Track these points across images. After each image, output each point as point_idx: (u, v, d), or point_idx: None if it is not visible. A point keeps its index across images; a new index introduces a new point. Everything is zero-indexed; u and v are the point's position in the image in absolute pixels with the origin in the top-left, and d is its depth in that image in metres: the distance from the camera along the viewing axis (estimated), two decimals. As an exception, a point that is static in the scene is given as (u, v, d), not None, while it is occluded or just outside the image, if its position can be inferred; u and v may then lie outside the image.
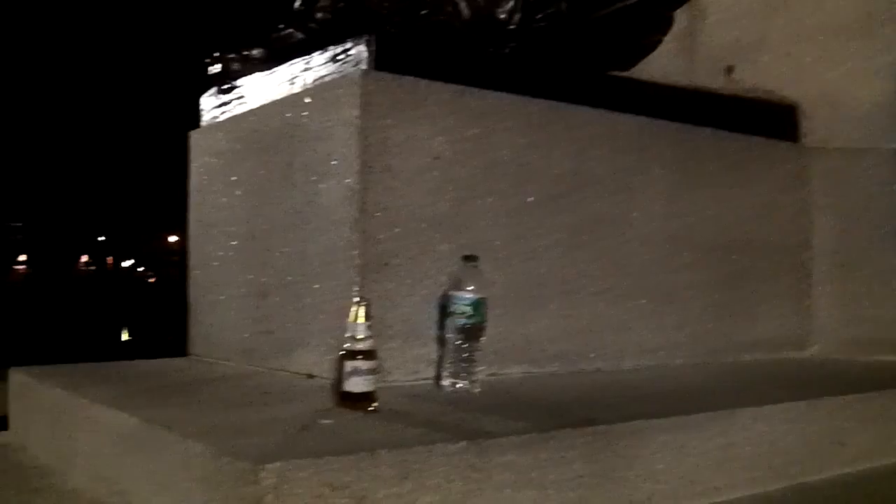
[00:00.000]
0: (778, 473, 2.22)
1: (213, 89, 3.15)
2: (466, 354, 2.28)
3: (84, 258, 44.91)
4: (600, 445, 1.90)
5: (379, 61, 2.44)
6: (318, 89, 2.57)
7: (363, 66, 2.42)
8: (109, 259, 45.64)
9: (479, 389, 2.28)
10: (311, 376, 2.53)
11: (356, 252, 2.36)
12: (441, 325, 2.42)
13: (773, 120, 3.48)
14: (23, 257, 43.00)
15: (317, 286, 2.51)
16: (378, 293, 2.35)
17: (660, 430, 2.01)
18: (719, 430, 2.12)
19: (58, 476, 2.31)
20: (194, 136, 3.27)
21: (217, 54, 3.06)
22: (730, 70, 3.74)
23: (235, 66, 3.05)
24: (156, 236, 45.76)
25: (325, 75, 2.58)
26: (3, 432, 2.96)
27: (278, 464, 1.49)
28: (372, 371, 2.01)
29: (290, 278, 2.65)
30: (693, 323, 3.11)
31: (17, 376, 2.88)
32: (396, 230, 2.41)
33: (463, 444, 1.70)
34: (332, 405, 2.07)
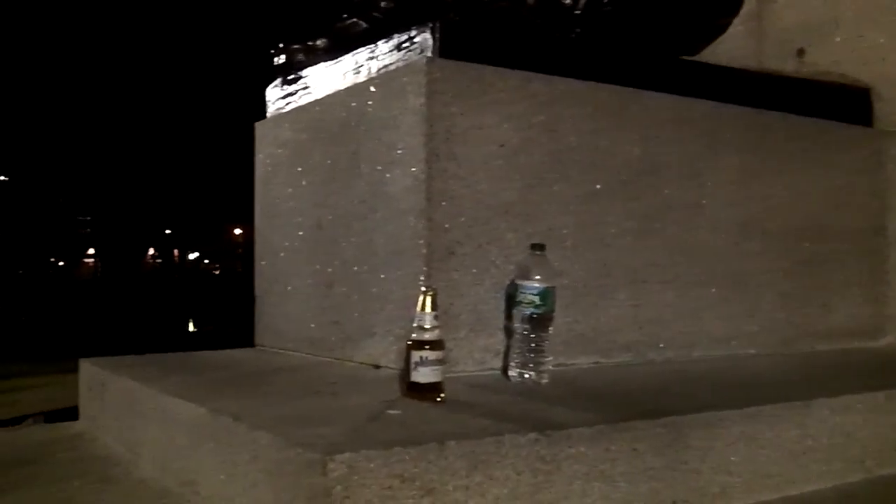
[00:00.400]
0: (854, 466, 2.16)
1: (278, 80, 3.17)
2: (534, 345, 2.25)
3: (151, 251, 45.73)
4: (672, 437, 1.86)
5: (444, 49, 2.42)
6: (384, 78, 2.56)
7: (428, 54, 2.40)
8: (175, 252, 46.39)
9: (547, 380, 2.25)
10: (377, 367, 2.52)
11: (422, 241, 2.34)
12: (508, 315, 2.40)
13: (845, 103, 3.38)
14: (91, 251, 43.94)
15: (383, 276, 2.50)
16: (444, 282, 2.33)
17: (733, 422, 1.96)
18: (794, 422, 2.07)
19: (127, 466, 2.34)
20: (260, 127, 3.29)
21: (282, 45, 3.07)
22: (800, 53, 3.65)
23: (300, 56, 3.06)
24: (221, 229, 46.38)
25: (389, 64, 2.57)
26: (74, 422, 3.02)
27: (347, 455, 1.48)
28: (439, 361, 2.00)
29: (356, 268, 2.64)
30: (765, 312, 3.04)
31: (87, 367, 2.93)
32: (462, 219, 2.39)
33: (532, 435, 1.67)
34: (400, 396, 2.06)
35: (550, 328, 2.27)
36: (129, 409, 2.46)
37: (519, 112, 2.50)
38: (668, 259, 2.79)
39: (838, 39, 3.55)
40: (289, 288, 3.04)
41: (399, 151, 2.44)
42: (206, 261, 52.36)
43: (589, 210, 2.62)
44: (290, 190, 3.04)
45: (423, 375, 1.99)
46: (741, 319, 2.97)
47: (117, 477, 2.23)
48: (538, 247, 2.27)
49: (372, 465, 1.50)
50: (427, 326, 2.00)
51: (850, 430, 2.16)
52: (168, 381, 2.42)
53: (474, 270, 2.40)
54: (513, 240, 2.46)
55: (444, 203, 2.36)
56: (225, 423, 1.86)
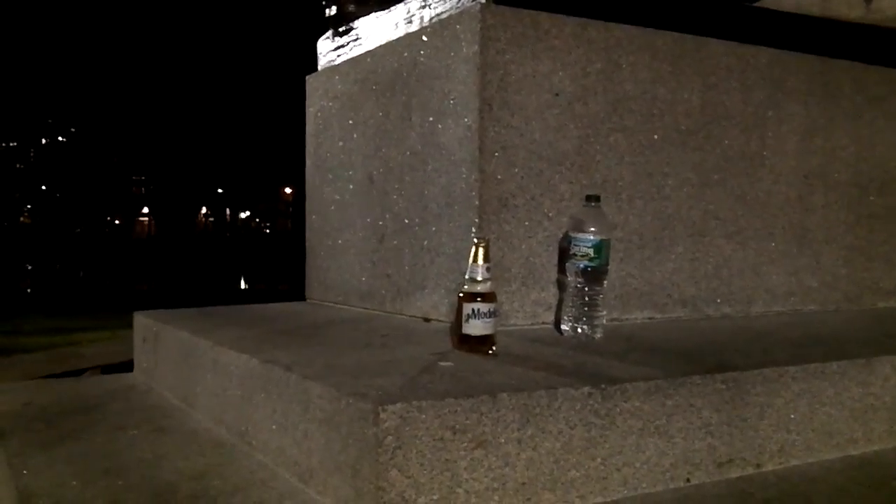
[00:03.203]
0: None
1: (329, 32, 3.12)
2: (588, 298, 2.19)
3: (204, 210, 46.27)
4: (730, 394, 1.81)
5: (500, -6, 2.35)
6: (436, 26, 2.50)
7: (482, 1, 2.34)
8: (227, 211, 46.89)
9: (601, 335, 2.20)
10: (427, 320, 2.49)
11: (474, 193, 2.29)
12: (561, 269, 2.35)
13: (915, 52, 3.24)
14: (146, 210, 44.59)
15: (434, 228, 2.47)
16: (497, 234, 2.30)
17: (794, 379, 1.90)
18: (857, 380, 2.00)
19: (181, 416, 2.36)
20: (311, 80, 3.26)
21: (333, -6, 3.02)
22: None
23: (351, 7, 3.01)
24: (272, 189, 46.71)
25: (442, 12, 2.50)
26: (129, 374, 3.04)
27: (399, 405, 1.46)
28: (491, 313, 1.96)
29: (407, 221, 2.61)
30: (827, 267, 2.95)
31: (141, 320, 2.95)
32: (516, 170, 2.34)
33: (586, 389, 1.64)
34: (451, 348, 2.03)
35: (605, 282, 2.21)
36: (184, 360, 2.47)
37: (575, 60, 2.43)
38: (728, 212, 2.71)
39: (908, -15, 3.40)
40: (340, 242, 3.02)
41: (452, 101, 2.38)
42: (258, 220, 52.85)
43: (647, 160, 2.55)
44: (341, 143, 3.01)
45: (474, 328, 1.96)
46: (803, 274, 2.89)
47: (172, 427, 2.24)
48: (593, 198, 2.21)
49: (424, 416, 1.48)
50: (479, 279, 1.96)
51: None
52: (221, 333, 2.42)
53: (527, 223, 2.36)
54: (567, 191, 2.41)
55: (497, 154, 2.31)
56: (277, 374, 1.85)
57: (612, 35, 2.48)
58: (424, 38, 2.53)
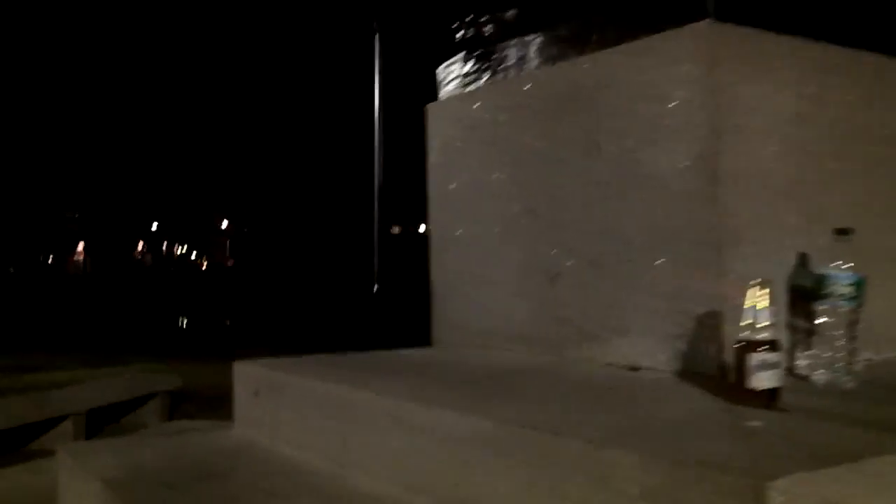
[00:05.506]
0: None
1: (460, 55, 2.89)
2: (846, 341, 1.99)
3: (140, 245, 45.23)
4: None
5: (719, 10, 2.16)
6: (639, 46, 2.28)
7: (707, 18, 2.14)
8: (164, 245, 45.92)
9: (855, 380, 2.00)
10: (635, 368, 2.26)
11: (706, 226, 2.09)
12: (798, 310, 2.14)
13: None
14: (80, 246, 43.43)
15: (641, 266, 2.24)
16: (730, 271, 2.08)
17: None
18: None
19: (336, 479, 2.06)
20: (434, 108, 3.02)
21: (469, 18, 2.80)
22: None
23: (488, 28, 2.79)
24: (208, 221, 45.97)
25: (636, 30, 2.30)
26: (230, 429, 2.71)
27: (783, 480, 1.23)
28: (778, 364, 1.75)
29: (594, 258, 2.38)
30: None
31: (249, 369, 2.65)
32: (745, 201, 2.13)
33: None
34: (727, 401, 1.81)
35: (860, 321, 2.02)
36: (334, 417, 2.17)
37: (792, 81, 2.25)
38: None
39: None
40: (483, 281, 2.78)
41: (666, 126, 2.17)
42: (194, 254, 51.81)
43: (876, 188, 2.37)
44: (481, 175, 2.77)
45: (761, 380, 1.75)
46: None
47: (335, 493, 1.96)
48: (844, 231, 2.01)
49: (805, 490, 1.26)
50: (763, 325, 1.76)
51: None
52: (381, 385, 2.15)
53: (758, 258, 2.14)
54: (793, 223, 2.21)
55: (728, 183, 2.10)
56: (534, 438, 1.60)
57: (826, 56, 2.31)
58: (620, 57, 2.32)
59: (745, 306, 1.79)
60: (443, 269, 2.98)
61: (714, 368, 2.07)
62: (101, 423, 4.19)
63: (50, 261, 41.56)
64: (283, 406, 2.44)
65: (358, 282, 12.11)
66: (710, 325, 2.07)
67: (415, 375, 2.35)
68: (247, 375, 2.68)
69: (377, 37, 10.29)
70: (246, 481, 2.11)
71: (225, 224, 45.65)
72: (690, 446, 1.45)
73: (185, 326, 15.94)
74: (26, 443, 3.78)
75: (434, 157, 3.00)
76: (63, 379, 5.85)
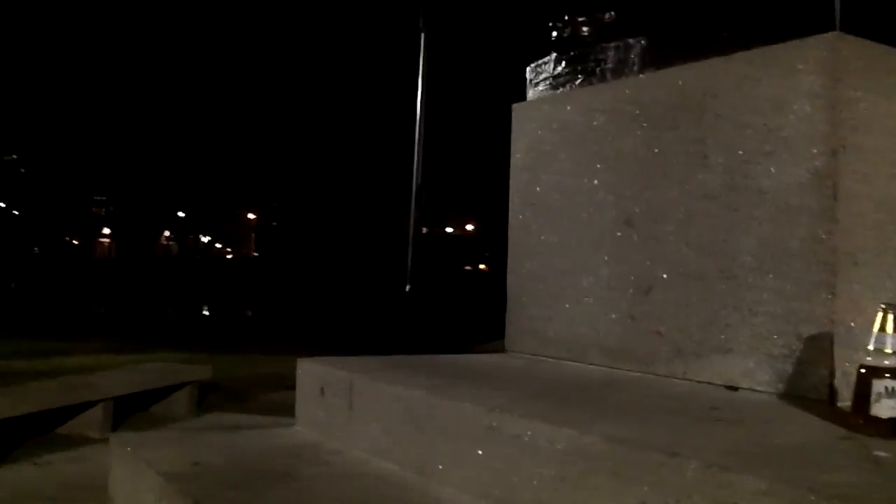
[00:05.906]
0: None
1: (551, 57, 2.83)
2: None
3: (166, 233, 45.41)
4: None
5: (843, 21, 2.09)
6: (754, 56, 2.21)
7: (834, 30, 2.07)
8: (190, 235, 46.10)
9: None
10: (734, 388, 2.19)
11: (823, 247, 2.01)
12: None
13: None
14: (107, 231, 43.62)
15: (749, 284, 2.17)
16: (846, 296, 2.01)
17: None
18: None
19: (419, 489, 1.99)
20: (521, 108, 2.95)
21: (566, 18, 2.73)
22: None
23: (585, 29, 2.72)
24: (233, 213, 46.08)
25: (749, 40, 2.23)
26: (292, 429, 2.65)
27: None
28: (906, 391, 1.68)
29: (693, 272, 2.31)
30: None
31: (313, 367, 2.63)
32: (863, 222, 2.06)
33: None
34: (846, 428, 1.73)
35: None
36: (415, 422, 2.12)
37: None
38: None
39: None
40: (568, 290, 2.70)
41: (783, 140, 2.10)
42: (218, 245, 51.95)
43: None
44: (572, 180, 2.70)
45: (885, 408, 1.68)
46: None
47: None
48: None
49: None
50: (891, 351, 1.68)
51: None
52: (459, 393, 2.10)
53: (874, 282, 2.07)
54: (905, 247, 2.13)
55: (847, 203, 2.03)
56: (650, 457, 1.53)
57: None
58: (732, 65, 2.25)
59: (874, 330, 1.72)
60: (521, 275, 2.91)
61: (822, 392, 2.00)
62: (126, 411, 4.11)
63: (76, 243, 41.79)
64: (355, 408, 2.39)
65: (389, 281, 12.06)
66: (820, 347, 2.00)
67: (500, 384, 2.29)
68: (311, 373, 2.63)
69: (423, 35, 10.21)
70: (315, 485, 2.05)
71: (252, 217, 45.78)
72: (817, 474, 1.39)
73: (207, 316, 15.97)
74: (51, 427, 3.70)
75: (519, 159, 2.94)
76: (89, 364, 5.83)
